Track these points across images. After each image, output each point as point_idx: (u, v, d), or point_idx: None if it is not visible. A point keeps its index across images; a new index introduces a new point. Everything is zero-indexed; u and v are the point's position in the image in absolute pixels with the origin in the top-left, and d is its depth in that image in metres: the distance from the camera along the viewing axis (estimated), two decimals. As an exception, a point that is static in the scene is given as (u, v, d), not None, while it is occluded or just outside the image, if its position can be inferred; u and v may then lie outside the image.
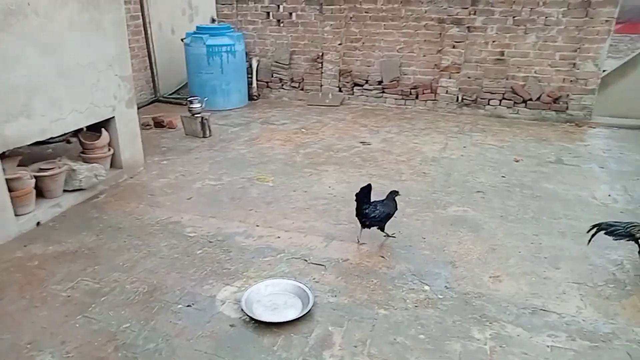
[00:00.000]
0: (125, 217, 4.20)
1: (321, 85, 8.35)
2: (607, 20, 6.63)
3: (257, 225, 4.08)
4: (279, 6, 8.22)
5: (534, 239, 3.89)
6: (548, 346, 2.73)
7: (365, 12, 7.84)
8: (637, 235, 3.30)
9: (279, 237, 3.88)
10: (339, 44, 8.04)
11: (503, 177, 5.11)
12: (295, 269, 3.45)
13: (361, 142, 6.23)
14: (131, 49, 5.43)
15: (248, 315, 2.91)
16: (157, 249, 3.71)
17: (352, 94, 8.26)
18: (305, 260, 3.56)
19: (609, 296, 3.16)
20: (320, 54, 8.20)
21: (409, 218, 4.24)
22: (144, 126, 6.13)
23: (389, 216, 3.82)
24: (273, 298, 3.12)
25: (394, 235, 3.91)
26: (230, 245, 3.76)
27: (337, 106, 8.05)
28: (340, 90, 8.29)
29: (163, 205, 4.45)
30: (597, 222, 3.49)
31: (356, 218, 3.79)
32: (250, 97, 8.37)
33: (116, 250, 3.69)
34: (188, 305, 3.06)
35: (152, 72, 8.29)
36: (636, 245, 3.37)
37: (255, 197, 4.63)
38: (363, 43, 8.03)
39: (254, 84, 8.48)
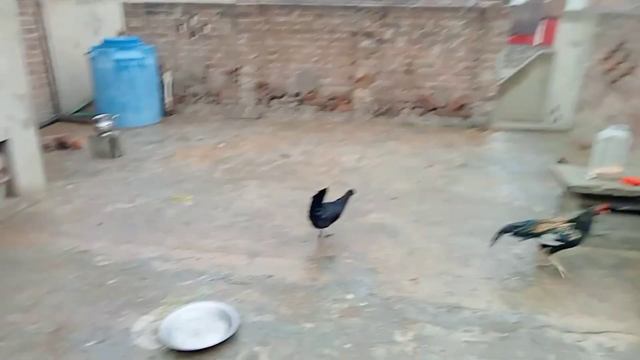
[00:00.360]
0: (25, 250, 3.84)
1: (238, 99, 8.27)
2: (500, 33, 7.25)
3: (176, 248, 3.93)
4: (190, 18, 8.05)
5: (447, 240, 4.12)
6: (464, 341, 2.90)
7: (280, 25, 7.92)
8: (536, 231, 3.62)
9: (199, 259, 3.76)
10: (255, 57, 8.03)
11: (417, 182, 5.37)
12: (217, 291, 3.36)
13: (281, 155, 6.25)
14: (28, 65, 5.03)
15: (168, 345, 2.78)
16: (63, 282, 3.43)
17: (271, 107, 8.28)
18: (228, 281, 3.48)
19: (514, 288, 3.43)
20: (237, 67, 8.14)
21: (331, 228, 4.30)
22: (45, 148, 5.67)
23: (337, 217, 4.00)
24: (195, 324, 2.99)
25: (332, 234, 4.10)
26: (146, 272, 3.58)
27: (256, 119, 8.02)
28: (258, 104, 8.27)
29: (69, 233, 4.13)
30: (502, 226, 3.73)
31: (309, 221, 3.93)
32: (164, 113, 8.07)
33: (14, 288, 3.36)
34: (100, 342, 2.86)
35: (53, 89, 7.72)
36: (538, 239, 3.67)
37: (173, 218, 4.46)
38: (279, 55, 8.08)
39: (168, 99, 8.20)
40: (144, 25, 8.15)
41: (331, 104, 8.06)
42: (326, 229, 4.07)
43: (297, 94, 8.16)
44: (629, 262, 3.75)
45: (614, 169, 4.02)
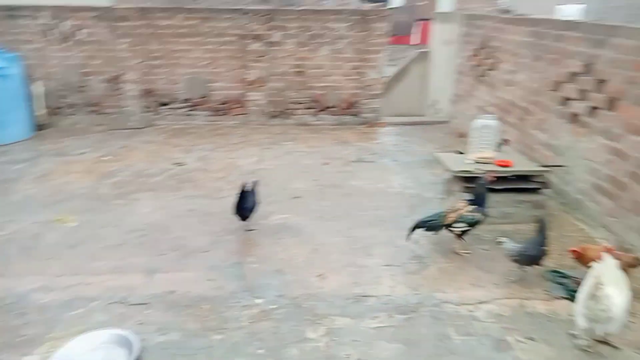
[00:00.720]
0: None
1: (123, 107, 7.74)
2: (381, 34, 7.67)
3: (61, 275, 3.54)
4: (61, 23, 7.33)
5: (349, 232, 4.25)
6: (372, 328, 3.01)
7: (164, 29, 7.55)
8: (446, 222, 3.84)
9: (89, 284, 3.44)
10: (139, 63, 7.57)
11: (316, 180, 5.47)
12: (114, 316, 3.09)
13: (175, 164, 5.97)
14: None
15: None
16: None
17: (160, 114, 7.87)
18: (125, 303, 3.23)
19: (413, 271, 3.64)
20: (118, 74, 7.60)
21: (233, 234, 4.21)
22: None
23: (256, 206, 4.16)
24: (90, 356, 2.70)
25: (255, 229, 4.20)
26: (25, 307, 3.17)
27: (144, 128, 7.57)
28: (145, 111, 7.81)
29: None
30: (414, 222, 3.89)
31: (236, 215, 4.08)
32: (37, 127, 7.26)
33: None
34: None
35: None
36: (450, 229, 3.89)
37: (55, 243, 4.02)
38: (166, 60, 7.71)
39: (40, 112, 7.39)
40: (3, 30, 7.26)
41: (224, 108, 7.89)
42: (249, 224, 4.18)
43: (187, 100, 7.85)
44: (507, 234, 4.15)
45: (488, 154, 4.45)
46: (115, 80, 7.63)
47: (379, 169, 5.88)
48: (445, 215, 3.88)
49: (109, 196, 4.98)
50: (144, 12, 7.46)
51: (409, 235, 3.91)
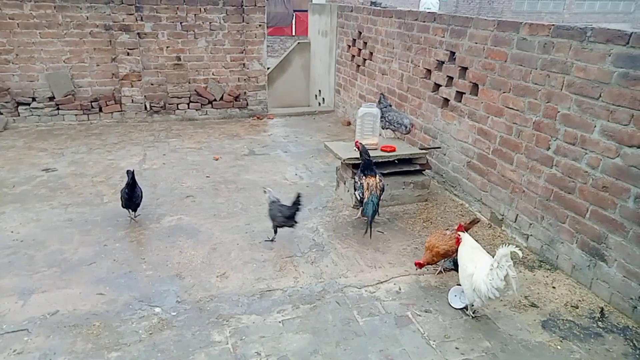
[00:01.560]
0: None
1: (-31, 110, 6.67)
2: (260, 25, 7.60)
3: None
4: None
5: (247, 228, 4.19)
6: (280, 322, 3.01)
7: (10, 19, 6.62)
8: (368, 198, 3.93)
9: (-53, 317, 2.94)
10: (-17, 58, 6.57)
11: (207, 177, 5.28)
12: (-16, 349, 2.68)
13: (44, 170, 5.32)
14: None
15: None
16: None
17: (19, 116, 6.93)
18: (-3, 333, 2.82)
19: (314, 259, 3.72)
20: (-42, 70, 6.52)
21: (121, 241, 3.89)
22: None
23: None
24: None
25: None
26: None
27: (0, 132, 6.61)
28: (0, 113, 6.83)
29: None
30: (368, 215, 3.91)
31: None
32: None
33: None
34: None
35: None
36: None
37: None
38: (17, 55, 6.79)
39: None
40: None
41: (96, 106, 7.20)
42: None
43: (51, 98, 7.02)
44: (397, 215, 4.47)
45: (372, 140, 4.68)
46: (-46, 77, 6.53)
47: (271, 161, 5.87)
48: (364, 193, 3.96)
49: (-38, 214, 4.28)
50: (-20, -2, 6.47)
51: (369, 232, 3.91)
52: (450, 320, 3.06)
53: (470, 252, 3.07)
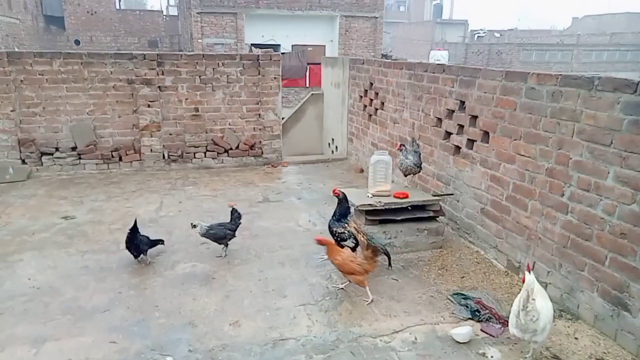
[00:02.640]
0: None
1: (-5, 160, 6.93)
2: (275, 77, 7.89)
3: None
4: None
5: (260, 275, 4.17)
6: (293, 372, 2.94)
7: (40, 75, 7.00)
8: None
9: (-38, 365, 2.94)
10: (12, 111, 6.88)
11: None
12: (-5, 398, 2.66)
13: (63, 218, 5.43)
14: None
15: None
16: None
17: (42, 165, 7.17)
18: (10, 382, 2.80)
19: (328, 308, 3.67)
20: (-13, 123, 6.83)
21: (135, 289, 3.90)
22: None
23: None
24: None
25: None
26: None
27: (24, 181, 6.82)
28: (24, 163, 7.06)
29: None
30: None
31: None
32: None
33: None
34: None
35: None
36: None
37: None
38: (44, 108, 7.11)
39: None
40: None
41: (117, 155, 7.43)
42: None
43: (73, 148, 7.27)
44: (412, 262, 4.42)
45: (385, 187, 4.72)
46: (-17, 130, 6.84)
47: (285, 208, 5.91)
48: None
49: (-18, 261, 4.36)
50: (12, 56, 6.88)
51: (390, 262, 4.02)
52: (469, 372, 2.96)
53: (532, 285, 2.89)
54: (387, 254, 3.90)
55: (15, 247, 4.64)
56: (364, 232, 4.02)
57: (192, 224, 4.54)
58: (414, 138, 5.40)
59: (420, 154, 5.00)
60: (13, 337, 3.23)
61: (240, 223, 4.60)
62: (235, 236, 4.56)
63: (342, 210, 4.23)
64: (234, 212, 4.58)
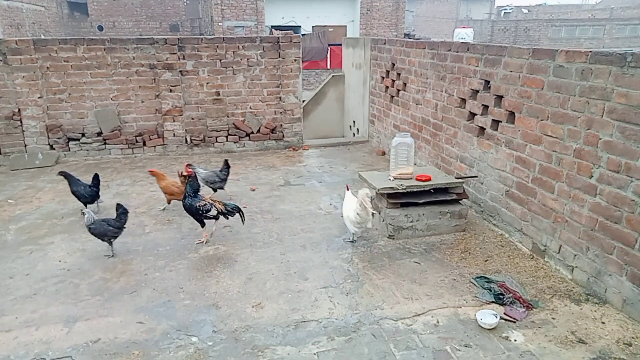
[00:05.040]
0: None
1: (25, 146, 7.13)
2: (295, 60, 7.83)
3: (-37, 337, 3.13)
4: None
5: (282, 258, 4.21)
6: (315, 354, 2.98)
7: (65, 61, 7.12)
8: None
9: (-2, 342, 3.07)
10: (39, 97, 7.04)
11: (244, 207, 5.35)
12: (30, 375, 2.78)
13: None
14: None
15: None
16: None
17: (69, 150, 7.35)
18: (43, 359, 2.91)
19: (350, 291, 3.68)
20: (16, 110, 7.01)
21: (161, 271, 3.99)
22: None
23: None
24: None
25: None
26: None
27: (52, 166, 7.01)
28: (52, 148, 7.25)
29: None
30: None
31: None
32: None
33: None
34: None
35: None
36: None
37: (-47, 301, 3.56)
38: (69, 94, 7.25)
39: None
40: None
41: (141, 140, 7.55)
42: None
43: (99, 133, 7.41)
44: (434, 246, 4.39)
45: (407, 170, 4.67)
46: (13, 117, 7.02)
47: (306, 191, 5.92)
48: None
49: (16, 242, 4.52)
50: (39, 44, 7.00)
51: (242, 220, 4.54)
52: (492, 355, 2.94)
53: (347, 202, 4.44)
54: (240, 211, 4.53)
55: (46, 230, 4.79)
56: (218, 200, 4.56)
57: (81, 210, 4.42)
58: (226, 160, 5.73)
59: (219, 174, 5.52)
60: (46, 317, 3.36)
61: (126, 219, 4.26)
62: (118, 234, 4.23)
63: (195, 186, 4.49)
64: (118, 207, 4.26)
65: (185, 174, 4.83)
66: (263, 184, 6.19)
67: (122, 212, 4.24)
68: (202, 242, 4.50)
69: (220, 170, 5.57)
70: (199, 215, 4.42)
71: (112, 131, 7.43)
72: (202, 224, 4.51)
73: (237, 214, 4.53)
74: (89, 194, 5.06)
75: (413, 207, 4.52)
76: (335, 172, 6.69)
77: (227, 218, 4.57)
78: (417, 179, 4.58)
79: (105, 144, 7.45)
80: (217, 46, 7.52)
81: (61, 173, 5.11)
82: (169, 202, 5.23)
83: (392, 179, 4.62)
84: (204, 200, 4.43)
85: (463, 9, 43.69)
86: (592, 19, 36.19)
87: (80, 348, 3.03)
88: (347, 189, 4.66)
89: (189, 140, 7.68)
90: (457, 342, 3.06)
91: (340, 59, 10.68)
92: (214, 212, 4.44)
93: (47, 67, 7.08)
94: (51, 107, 7.23)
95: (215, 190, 5.55)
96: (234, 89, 7.75)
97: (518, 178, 4.37)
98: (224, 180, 5.55)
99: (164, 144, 7.62)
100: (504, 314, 3.31)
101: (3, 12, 19.55)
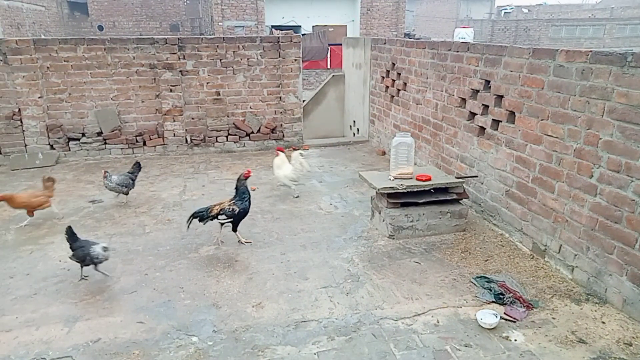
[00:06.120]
0: None
1: (26, 145, 7.13)
2: (295, 59, 7.83)
3: (-37, 336, 3.13)
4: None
5: (282, 258, 4.21)
6: (315, 353, 2.98)
7: (65, 61, 7.12)
8: (212, 213, 4.32)
9: (-1, 342, 3.07)
10: (39, 97, 7.04)
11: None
12: (30, 375, 2.78)
13: (91, 202, 5.57)
14: None
15: None
16: None
17: (69, 150, 7.35)
18: (43, 359, 2.92)
19: (350, 290, 3.68)
20: (16, 110, 7.01)
21: (161, 271, 3.99)
22: None
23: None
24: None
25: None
26: None
27: (52, 166, 7.01)
28: (52, 148, 7.26)
29: None
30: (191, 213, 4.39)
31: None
32: None
33: None
34: None
35: None
36: (217, 220, 4.38)
37: (-46, 300, 3.56)
38: (70, 94, 7.25)
39: None
40: None
41: (141, 140, 7.55)
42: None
43: (99, 133, 7.42)
44: (434, 245, 4.39)
45: (407, 170, 4.67)
46: (13, 117, 7.02)
47: (306, 191, 5.92)
48: (212, 207, 4.36)
49: (16, 242, 4.53)
50: (39, 43, 7.00)
51: (188, 225, 4.38)
52: (492, 355, 2.94)
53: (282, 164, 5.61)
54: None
55: (47, 230, 4.79)
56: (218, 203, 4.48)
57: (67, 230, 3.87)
58: (138, 161, 5.69)
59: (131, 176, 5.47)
60: (47, 316, 3.36)
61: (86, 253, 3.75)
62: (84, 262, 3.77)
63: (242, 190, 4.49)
64: (68, 232, 3.82)
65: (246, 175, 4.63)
66: (263, 183, 6.19)
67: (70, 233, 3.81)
68: (248, 241, 4.52)
69: (131, 172, 5.52)
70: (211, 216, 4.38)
71: (113, 131, 7.43)
72: (233, 229, 4.46)
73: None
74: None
75: (413, 206, 4.52)
76: (336, 172, 6.69)
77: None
78: (417, 179, 4.58)
79: (105, 143, 7.45)
80: (217, 46, 7.52)
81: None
82: (31, 215, 4.88)
83: (392, 178, 4.62)
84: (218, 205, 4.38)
85: (463, 8, 43.70)
86: (593, 18, 36.19)
87: (81, 348, 3.02)
88: (277, 155, 5.68)
89: (189, 140, 7.69)
90: (457, 342, 3.05)
91: (341, 59, 10.67)
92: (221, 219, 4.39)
93: (48, 67, 7.08)
94: (51, 107, 7.23)
95: (126, 193, 5.45)
96: (234, 89, 7.75)
97: (518, 178, 4.37)
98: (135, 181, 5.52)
99: (164, 144, 7.62)
100: (504, 313, 3.31)
101: (3, 12, 19.55)
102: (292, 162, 5.69)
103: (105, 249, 3.79)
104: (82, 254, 3.75)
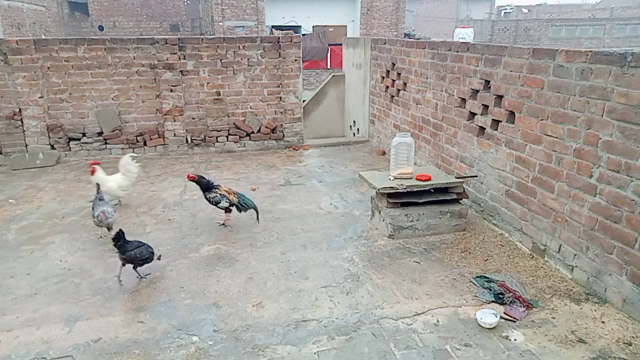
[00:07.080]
0: None
1: (26, 145, 7.14)
2: (295, 60, 7.84)
3: (-36, 336, 3.14)
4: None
5: (283, 257, 4.22)
6: (315, 353, 2.98)
7: (66, 61, 7.13)
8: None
9: (-1, 342, 3.08)
10: (40, 97, 7.05)
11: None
12: (31, 374, 2.79)
13: (91, 202, 5.56)
14: None
15: None
16: None
17: (70, 150, 7.36)
18: (43, 358, 2.92)
19: (350, 290, 3.68)
20: (17, 110, 7.02)
21: (162, 270, 4.00)
22: None
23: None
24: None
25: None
26: None
27: (53, 166, 7.02)
28: (53, 148, 7.26)
29: None
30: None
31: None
32: None
33: None
34: None
35: None
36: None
37: (-46, 300, 3.57)
38: (70, 94, 7.26)
39: None
40: None
41: (141, 140, 7.56)
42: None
43: (99, 133, 7.42)
44: (434, 245, 4.39)
45: (407, 169, 4.67)
46: (14, 117, 7.03)
47: (307, 191, 5.93)
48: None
49: (17, 242, 4.53)
50: (39, 44, 7.01)
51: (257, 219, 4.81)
52: (492, 354, 2.94)
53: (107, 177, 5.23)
54: (256, 209, 4.80)
55: (47, 230, 4.80)
56: (234, 192, 4.80)
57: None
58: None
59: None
60: (47, 316, 3.37)
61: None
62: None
63: (203, 186, 4.76)
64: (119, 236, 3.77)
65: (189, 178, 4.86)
66: (263, 183, 6.19)
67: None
68: (222, 223, 4.86)
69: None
70: (214, 205, 4.74)
71: (113, 131, 7.44)
72: (226, 210, 4.80)
73: (252, 210, 4.80)
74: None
75: (413, 206, 4.53)
76: (336, 172, 6.70)
77: (240, 211, 4.81)
78: (417, 179, 4.58)
79: (106, 143, 7.46)
80: (218, 46, 7.53)
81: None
82: None
83: (392, 178, 4.62)
84: (215, 192, 4.72)
85: (463, 8, 43.72)
86: (592, 18, 36.19)
87: (81, 347, 3.03)
88: (94, 171, 5.15)
89: (189, 140, 7.69)
90: (457, 342, 3.06)
91: (341, 59, 10.68)
92: (224, 204, 4.71)
93: (48, 67, 7.09)
94: (52, 107, 7.24)
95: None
96: (234, 89, 7.76)
97: (518, 178, 4.38)
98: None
99: (164, 144, 7.63)
100: (504, 313, 3.32)
101: (4, 12, 19.57)
102: (120, 168, 5.37)
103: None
104: (136, 256, 3.78)
